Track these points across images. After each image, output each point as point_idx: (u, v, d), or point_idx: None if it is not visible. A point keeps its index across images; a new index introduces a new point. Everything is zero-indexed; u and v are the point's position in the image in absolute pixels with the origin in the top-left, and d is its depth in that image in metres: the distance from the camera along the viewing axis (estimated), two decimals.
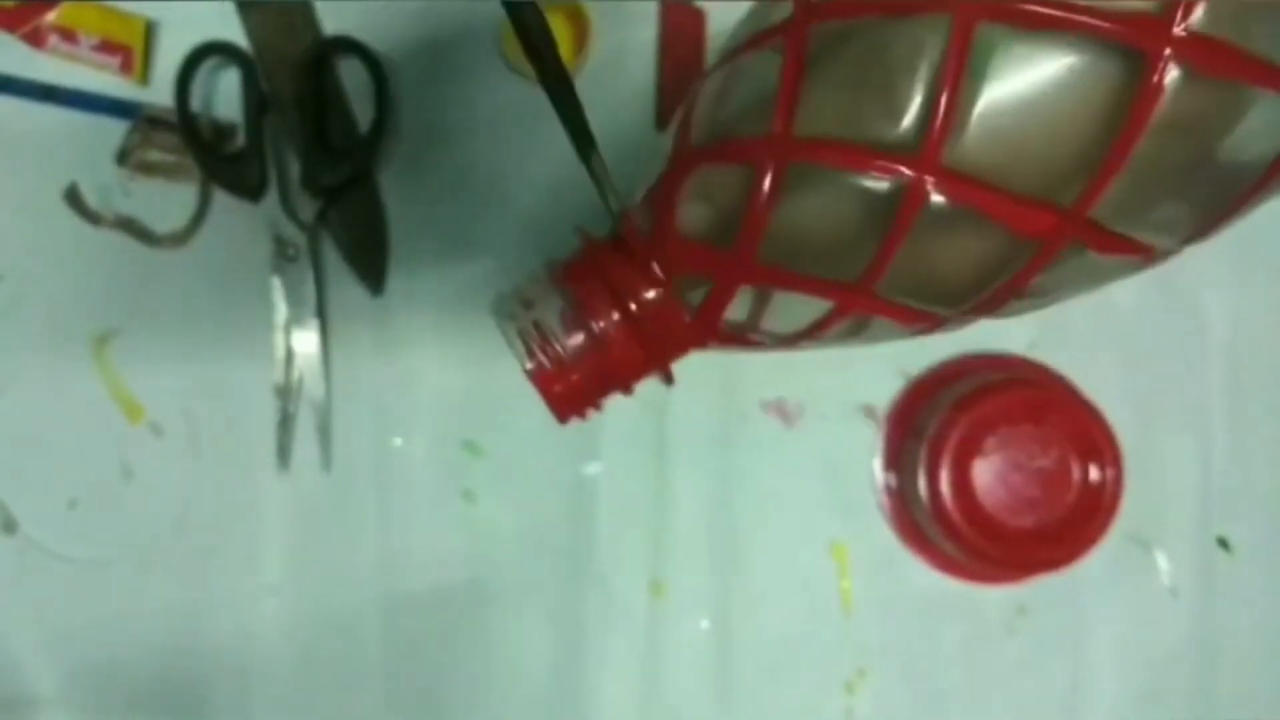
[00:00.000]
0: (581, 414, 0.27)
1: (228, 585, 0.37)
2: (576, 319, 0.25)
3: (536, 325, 0.25)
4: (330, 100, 0.37)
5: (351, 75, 0.38)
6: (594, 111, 0.38)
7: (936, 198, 0.17)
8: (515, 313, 0.26)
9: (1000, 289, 0.19)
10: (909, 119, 0.17)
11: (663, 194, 0.24)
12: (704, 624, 0.38)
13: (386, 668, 0.38)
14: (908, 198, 0.17)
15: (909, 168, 0.17)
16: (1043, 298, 0.21)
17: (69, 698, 0.37)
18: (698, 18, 0.38)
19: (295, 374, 0.37)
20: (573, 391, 0.26)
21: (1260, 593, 0.39)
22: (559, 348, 0.25)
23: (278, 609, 0.37)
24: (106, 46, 0.37)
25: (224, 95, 0.37)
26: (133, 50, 0.37)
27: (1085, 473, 0.36)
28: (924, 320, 0.21)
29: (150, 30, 0.37)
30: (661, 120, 0.38)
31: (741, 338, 0.25)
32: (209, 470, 0.38)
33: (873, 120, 0.18)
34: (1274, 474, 0.39)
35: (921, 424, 0.37)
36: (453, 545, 0.38)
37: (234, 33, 0.37)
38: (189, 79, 0.36)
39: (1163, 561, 0.39)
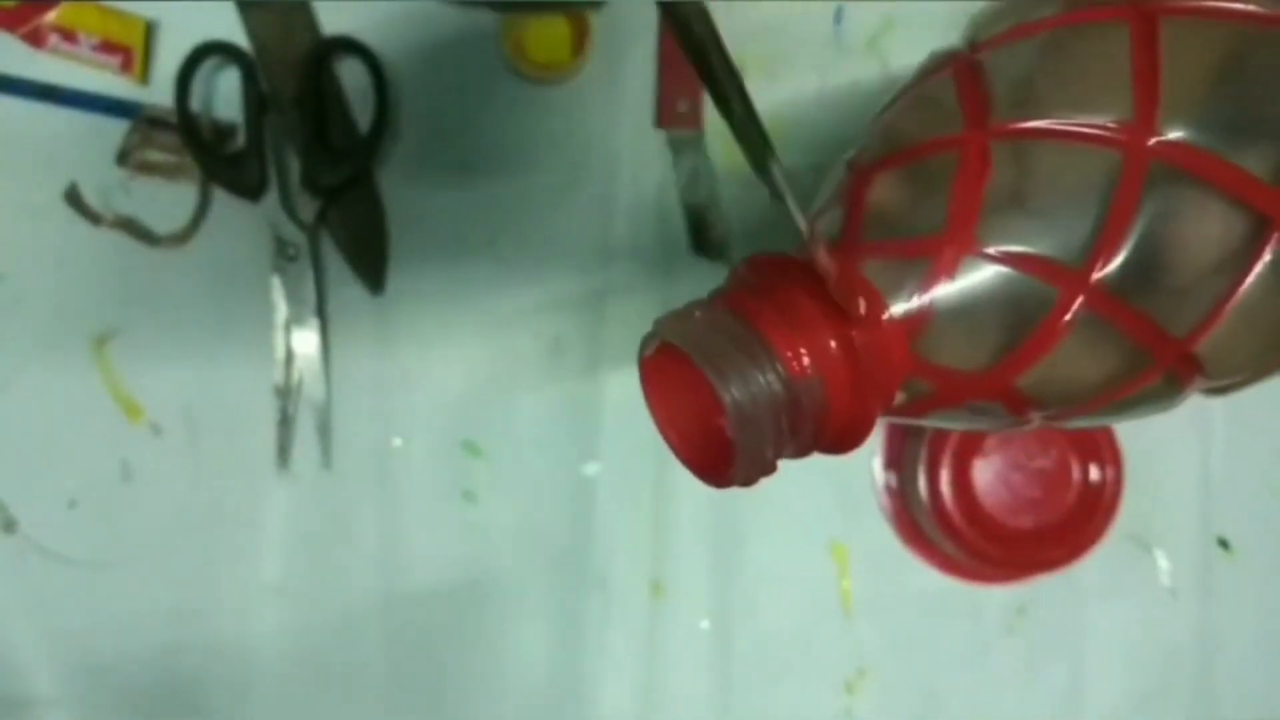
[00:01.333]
0: (752, 479, 0.22)
1: (228, 585, 0.37)
2: (778, 351, 0.19)
3: (729, 354, 0.19)
4: (330, 100, 0.37)
5: (351, 75, 0.38)
6: (594, 112, 0.38)
7: (1086, 309, 0.19)
8: (699, 336, 0.20)
9: (1100, 399, 0.21)
10: (1074, 238, 0.19)
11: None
12: (704, 624, 0.38)
13: (386, 667, 0.38)
14: (1060, 305, 0.19)
15: (1067, 280, 0.19)
16: (1114, 416, 0.22)
17: (69, 698, 0.37)
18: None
19: (295, 374, 0.37)
20: (754, 445, 0.20)
21: (1260, 593, 0.39)
22: (752, 387, 0.19)
23: (278, 609, 0.37)
24: (106, 46, 0.37)
25: (224, 95, 0.37)
26: (133, 50, 0.37)
27: (1085, 473, 0.36)
28: (1027, 416, 0.22)
29: (150, 30, 0.37)
30: (661, 120, 0.38)
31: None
32: (209, 470, 0.38)
33: (1040, 234, 0.19)
34: (1274, 474, 0.39)
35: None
36: (453, 545, 0.38)
37: (234, 33, 0.37)
38: (189, 79, 0.36)
39: (1163, 561, 0.39)
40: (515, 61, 0.37)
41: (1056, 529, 0.36)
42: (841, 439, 0.21)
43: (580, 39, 0.37)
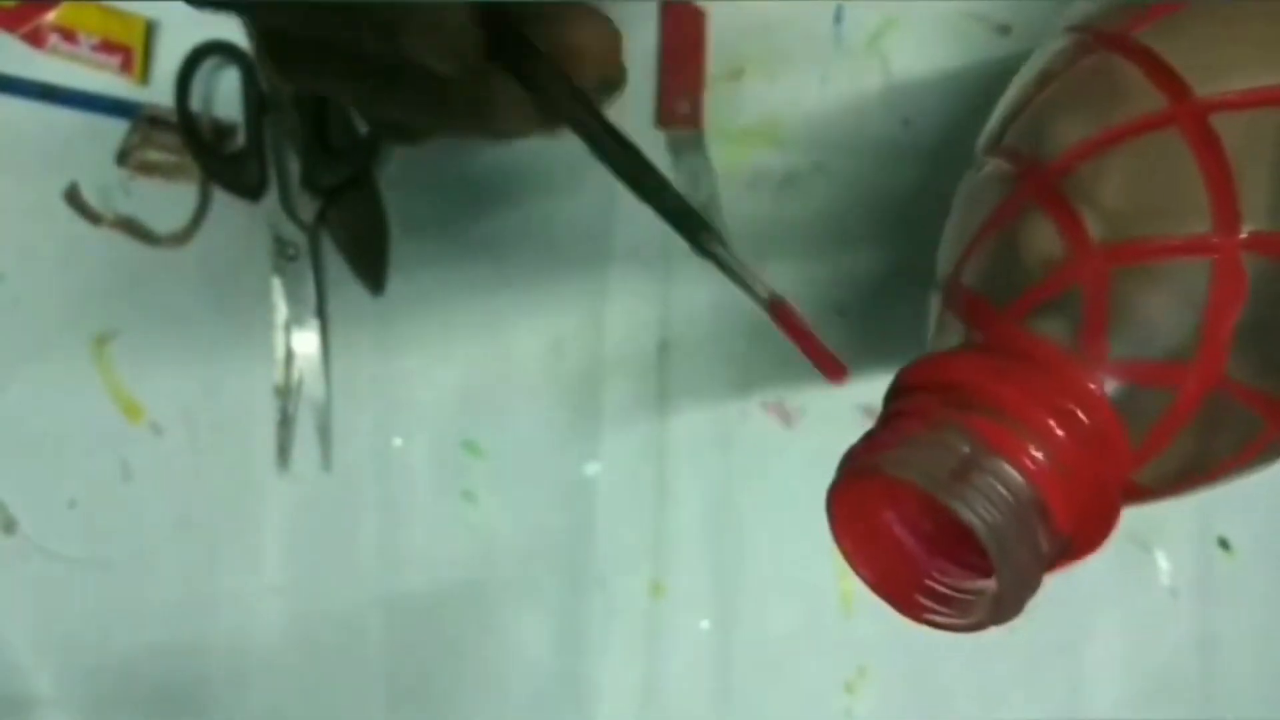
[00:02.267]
0: (1022, 604, 0.21)
1: (228, 585, 0.37)
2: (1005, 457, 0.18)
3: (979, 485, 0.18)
4: (330, 100, 0.37)
5: None
6: None
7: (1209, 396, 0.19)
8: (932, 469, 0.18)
9: (1227, 467, 0.21)
10: (1186, 339, 0.19)
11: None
12: (704, 624, 0.38)
13: (387, 667, 0.38)
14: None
15: (1185, 374, 0.19)
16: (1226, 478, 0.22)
17: (69, 698, 0.37)
18: (698, 18, 0.38)
19: (295, 374, 0.37)
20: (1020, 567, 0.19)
21: (1260, 593, 0.39)
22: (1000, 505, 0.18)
23: (278, 608, 0.37)
24: (106, 46, 0.37)
25: (224, 95, 0.37)
26: (133, 50, 0.37)
27: None
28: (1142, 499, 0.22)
29: (150, 30, 0.37)
30: (661, 120, 0.38)
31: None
32: (209, 470, 0.38)
33: (1156, 343, 0.19)
34: (1274, 475, 0.39)
35: None
36: (453, 545, 0.38)
37: (234, 33, 0.37)
38: (189, 79, 0.36)
39: (1163, 561, 0.39)
40: None
41: None
42: (1088, 538, 0.21)
43: None
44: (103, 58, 0.37)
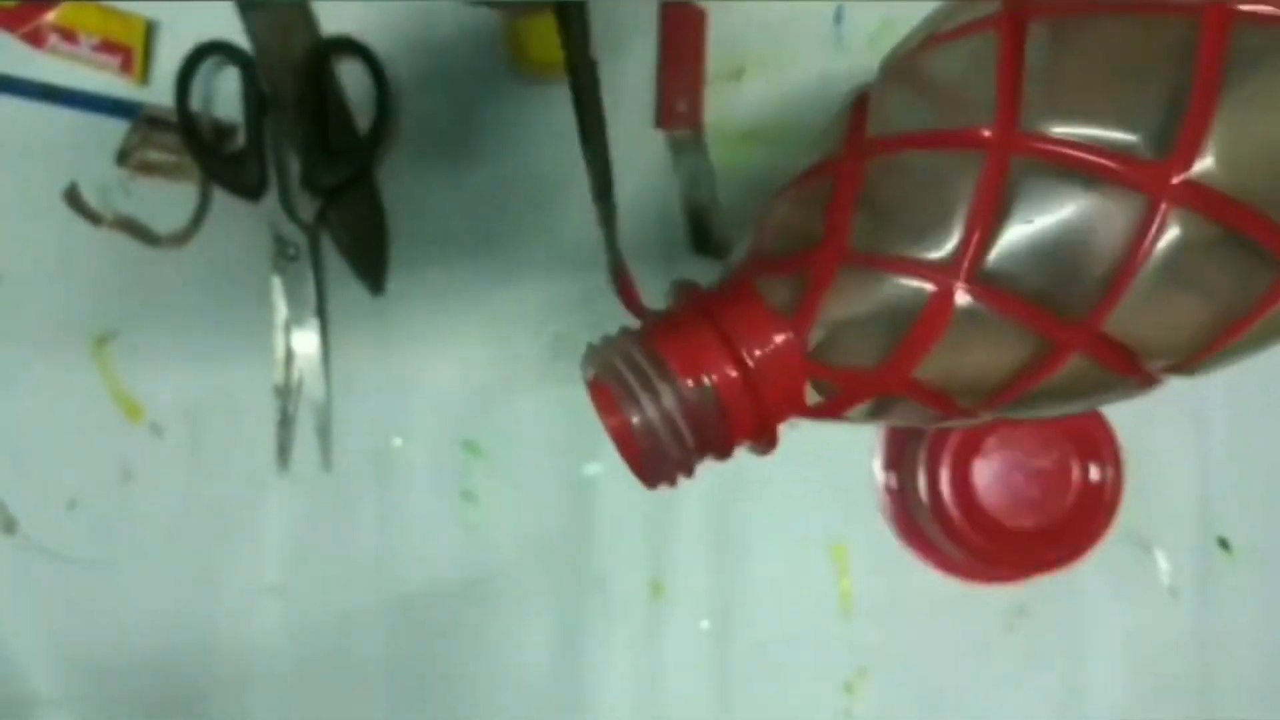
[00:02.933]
0: (673, 481, 0.25)
1: (228, 585, 0.37)
2: (676, 373, 0.22)
3: (630, 379, 0.23)
4: (330, 100, 0.37)
5: (351, 75, 0.38)
6: None
7: (964, 300, 0.20)
8: (610, 364, 0.23)
9: (1012, 389, 0.22)
10: (950, 238, 0.20)
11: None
12: (704, 624, 0.38)
13: (386, 668, 0.38)
14: (938, 300, 0.20)
15: (937, 276, 0.20)
16: (1052, 405, 0.23)
17: (69, 698, 0.37)
18: (698, 18, 0.38)
19: (295, 374, 0.37)
20: (663, 454, 0.23)
21: (1260, 593, 0.39)
22: (654, 406, 0.22)
23: (278, 609, 0.37)
24: (106, 46, 0.37)
25: (224, 95, 0.38)
26: (133, 50, 0.37)
27: (1085, 473, 0.36)
28: (947, 409, 0.23)
29: (150, 30, 0.37)
30: (661, 120, 0.38)
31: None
32: (209, 470, 0.38)
33: (907, 236, 0.20)
34: (1274, 474, 0.39)
35: None
36: (453, 545, 0.38)
37: (234, 33, 0.37)
38: (189, 79, 0.36)
39: (1163, 561, 0.39)
40: (515, 61, 0.37)
41: (1056, 529, 0.36)
42: (757, 441, 0.24)
43: None
44: (103, 58, 0.37)
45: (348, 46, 0.37)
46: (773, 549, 0.38)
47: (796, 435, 0.38)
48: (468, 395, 0.38)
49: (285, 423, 0.37)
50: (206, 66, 0.37)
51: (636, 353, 0.23)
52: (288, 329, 0.37)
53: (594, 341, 0.24)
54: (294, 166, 0.37)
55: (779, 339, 0.22)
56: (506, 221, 0.38)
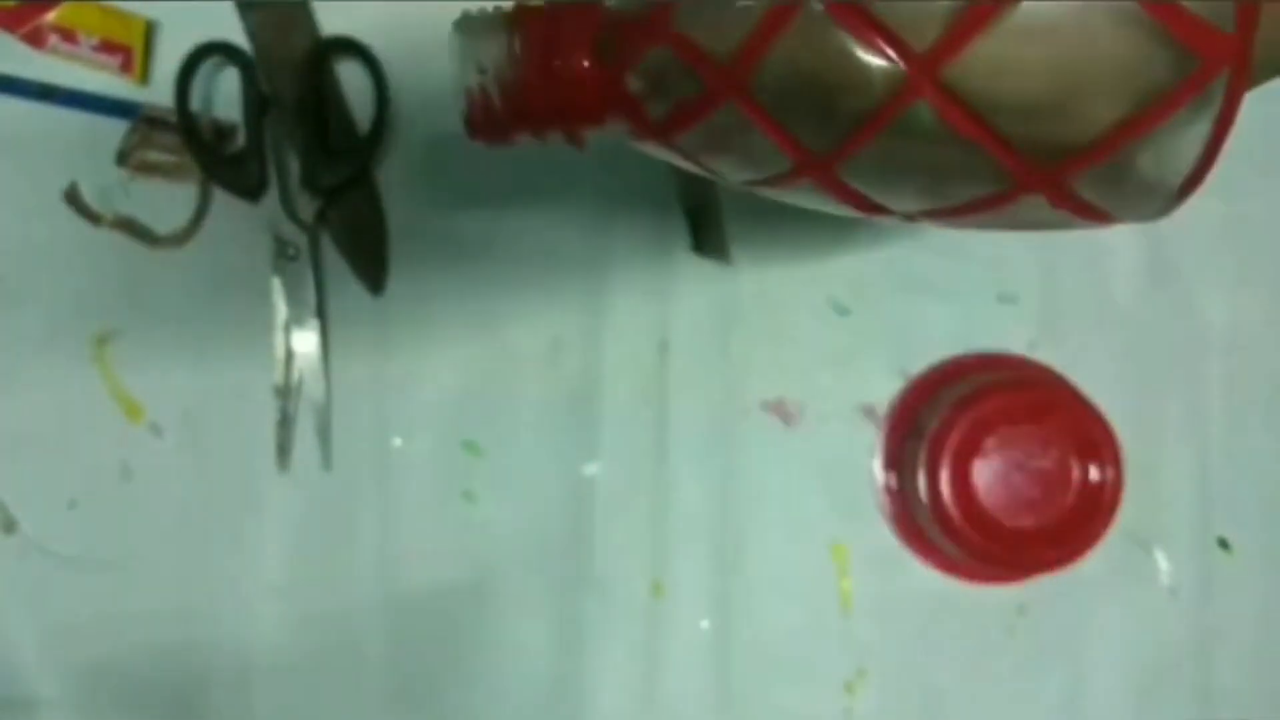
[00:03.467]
0: (491, 139, 0.28)
1: (228, 585, 0.37)
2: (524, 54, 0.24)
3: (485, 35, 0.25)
4: (330, 100, 0.37)
5: (351, 75, 0.38)
6: None
7: (924, 102, 0.20)
8: (473, 30, 0.25)
9: (861, 129, 0.21)
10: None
11: None
12: (704, 624, 0.38)
13: (386, 668, 0.38)
14: (902, 91, 0.20)
15: (909, 64, 0.19)
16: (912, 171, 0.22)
17: (69, 698, 0.37)
18: None
19: (295, 374, 0.37)
20: (490, 114, 0.26)
21: (1260, 593, 0.39)
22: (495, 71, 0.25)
23: (278, 609, 0.37)
24: (106, 46, 0.37)
25: (224, 95, 0.37)
26: (133, 50, 0.37)
27: (1085, 473, 0.36)
28: (872, 211, 0.23)
29: (150, 30, 0.37)
30: None
31: (667, 144, 0.25)
32: (209, 470, 0.38)
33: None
34: (1274, 474, 0.39)
35: (921, 424, 0.37)
36: (453, 545, 0.38)
37: (234, 33, 0.37)
38: (189, 79, 0.36)
39: (1163, 561, 0.39)
40: None
41: (1056, 529, 0.36)
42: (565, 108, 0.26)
43: None
44: (103, 58, 0.37)
45: (348, 46, 0.37)
46: (773, 549, 0.38)
47: (797, 435, 0.38)
48: (468, 395, 0.38)
49: (285, 423, 0.37)
50: (206, 66, 0.37)
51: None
52: (288, 329, 0.37)
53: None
54: (294, 166, 0.37)
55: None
56: (506, 221, 0.38)
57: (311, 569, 0.38)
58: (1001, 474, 0.36)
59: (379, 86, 0.37)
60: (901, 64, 0.20)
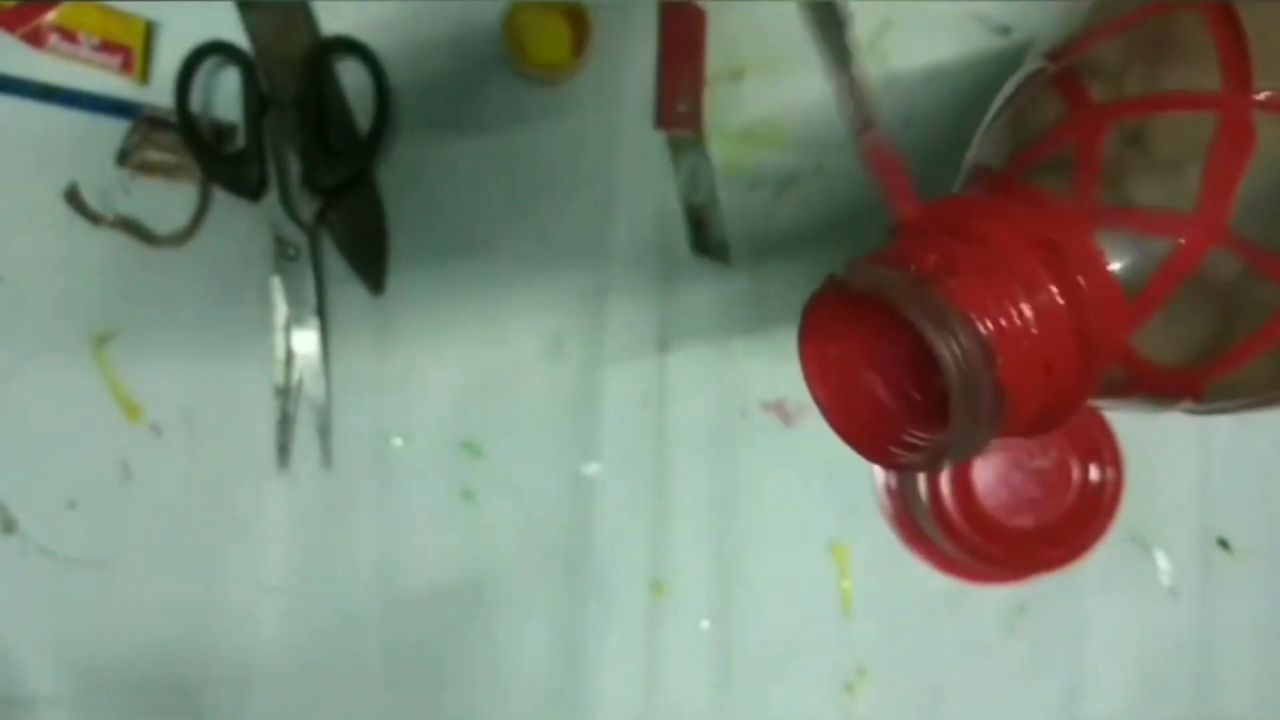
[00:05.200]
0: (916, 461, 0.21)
1: (228, 585, 0.37)
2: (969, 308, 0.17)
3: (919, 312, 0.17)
4: (330, 100, 0.37)
5: (351, 75, 0.38)
6: (594, 111, 0.38)
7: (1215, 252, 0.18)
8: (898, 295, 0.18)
9: (1246, 350, 0.19)
10: (1184, 190, 0.18)
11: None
12: (704, 624, 0.38)
13: (386, 667, 0.38)
14: (1187, 248, 0.18)
15: (1182, 224, 0.18)
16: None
17: (69, 698, 0.37)
18: (698, 18, 0.38)
19: (295, 374, 0.37)
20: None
21: (1260, 593, 0.39)
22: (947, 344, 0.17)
23: (278, 608, 0.37)
24: (106, 46, 0.37)
25: (224, 95, 0.37)
26: (133, 50, 0.37)
27: (1085, 473, 0.36)
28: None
29: (150, 30, 0.37)
30: (661, 120, 0.38)
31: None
32: (209, 470, 0.38)
33: (1151, 191, 0.18)
34: (1274, 474, 0.39)
35: None
36: (453, 545, 0.38)
37: (234, 33, 0.37)
38: (189, 79, 0.36)
39: (1163, 561, 0.39)
40: (515, 61, 0.37)
41: (1056, 529, 0.36)
42: (1050, 415, 0.19)
43: (580, 39, 0.37)
44: (103, 58, 0.37)
45: (347, 46, 0.37)
46: (773, 549, 0.38)
47: (797, 435, 0.38)
48: (468, 395, 0.38)
49: (285, 422, 0.37)
50: (206, 66, 0.37)
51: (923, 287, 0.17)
52: (288, 329, 0.37)
53: (854, 259, 0.19)
54: (294, 166, 0.37)
55: (1113, 307, 0.17)
56: (506, 221, 0.38)
57: (311, 569, 0.38)
58: (1001, 474, 0.36)
59: (379, 86, 0.37)
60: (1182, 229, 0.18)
